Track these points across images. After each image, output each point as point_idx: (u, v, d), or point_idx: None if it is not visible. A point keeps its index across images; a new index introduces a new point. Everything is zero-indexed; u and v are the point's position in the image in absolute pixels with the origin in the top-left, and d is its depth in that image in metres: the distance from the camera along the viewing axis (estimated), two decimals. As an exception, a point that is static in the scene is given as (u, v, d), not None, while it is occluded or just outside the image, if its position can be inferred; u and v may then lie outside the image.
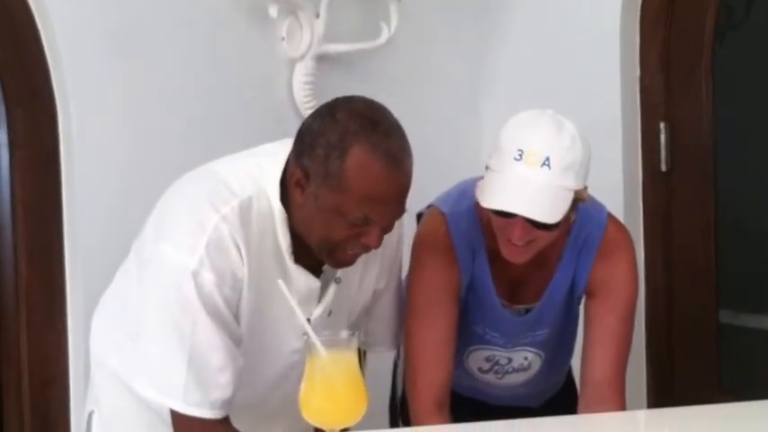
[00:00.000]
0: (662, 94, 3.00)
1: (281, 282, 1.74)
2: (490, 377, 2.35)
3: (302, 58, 2.89)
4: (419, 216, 2.29)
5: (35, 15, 2.54)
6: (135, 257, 2.01)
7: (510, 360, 2.31)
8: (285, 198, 1.88)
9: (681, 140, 3.00)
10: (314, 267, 1.95)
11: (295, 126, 2.77)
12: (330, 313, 2.00)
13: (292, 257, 1.91)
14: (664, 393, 3.06)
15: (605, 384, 2.21)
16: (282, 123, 2.85)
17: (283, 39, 2.86)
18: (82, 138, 2.55)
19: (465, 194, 2.20)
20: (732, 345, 3.13)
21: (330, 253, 1.88)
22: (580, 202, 2.06)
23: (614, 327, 2.22)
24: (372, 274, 2.11)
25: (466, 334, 2.24)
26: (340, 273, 1.99)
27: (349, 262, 1.92)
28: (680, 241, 3.03)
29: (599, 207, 2.24)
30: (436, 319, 2.16)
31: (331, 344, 1.64)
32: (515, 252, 2.07)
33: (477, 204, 2.15)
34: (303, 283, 1.94)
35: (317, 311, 1.98)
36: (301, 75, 2.89)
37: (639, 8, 2.99)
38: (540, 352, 2.31)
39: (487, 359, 2.31)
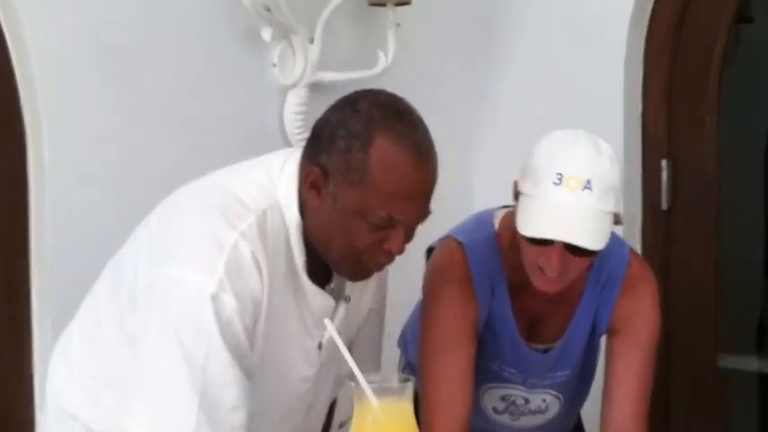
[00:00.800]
0: (665, 129, 2.93)
1: (327, 321, 1.59)
2: (504, 418, 2.24)
3: (294, 86, 2.75)
4: (429, 250, 2.18)
5: (3, 28, 2.31)
6: (110, 288, 1.80)
7: (527, 401, 2.20)
8: (301, 207, 1.73)
9: (683, 178, 2.93)
10: (320, 285, 1.79)
11: None
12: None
13: (307, 275, 1.75)
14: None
15: (629, 425, 2.12)
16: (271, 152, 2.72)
17: (275, 65, 2.73)
18: (55, 163, 2.35)
19: (482, 224, 2.12)
20: (732, 389, 3.05)
21: (353, 264, 1.73)
22: (617, 225, 1.97)
23: (638, 364, 2.14)
24: (371, 290, 1.96)
25: (481, 371, 2.12)
26: (348, 291, 1.85)
27: (370, 273, 1.77)
28: (679, 284, 2.94)
29: (620, 242, 2.17)
30: (454, 356, 2.05)
31: (383, 391, 1.49)
32: (549, 282, 1.96)
33: (497, 234, 2.08)
34: (319, 303, 1.78)
35: (328, 334, 1.80)
36: (293, 104, 2.76)
37: (644, 41, 2.92)
38: (560, 394, 2.22)
39: (503, 398, 2.20)
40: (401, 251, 1.71)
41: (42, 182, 2.34)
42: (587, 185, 1.87)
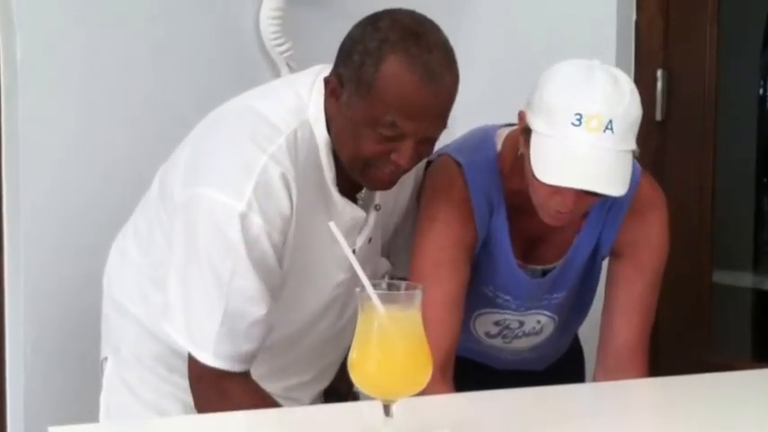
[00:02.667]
0: (660, 39, 2.82)
1: (332, 224, 1.53)
2: (497, 341, 2.18)
3: (272, -11, 2.66)
4: (428, 163, 2.08)
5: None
6: (158, 198, 1.92)
7: (521, 324, 2.14)
8: (329, 124, 1.83)
9: (679, 89, 2.82)
10: (352, 196, 1.90)
11: (260, 63, 2.67)
12: (370, 240, 1.96)
13: (337, 188, 1.85)
14: (650, 356, 2.88)
15: (628, 351, 2.08)
16: (246, 59, 2.67)
17: (252, -33, 2.65)
18: (26, 63, 2.30)
19: (484, 143, 2.03)
20: (725, 305, 3.05)
21: (363, 172, 1.80)
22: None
23: (641, 291, 2.08)
24: (407, 193, 2.05)
25: (474, 296, 2.04)
26: (378, 198, 1.94)
27: (385, 183, 1.83)
28: (672, 199, 2.82)
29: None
30: (445, 279, 1.97)
31: (391, 299, 1.39)
32: (559, 218, 1.88)
33: (499, 155, 2.00)
34: (349, 214, 1.88)
35: (360, 241, 1.93)
36: (270, 9, 2.66)
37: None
38: (555, 316, 2.15)
39: (497, 323, 2.14)
40: (408, 163, 1.77)
41: (15, 83, 2.32)
42: (609, 126, 1.76)
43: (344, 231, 1.79)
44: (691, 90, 2.80)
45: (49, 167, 2.34)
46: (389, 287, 1.43)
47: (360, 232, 1.92)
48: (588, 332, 2.28)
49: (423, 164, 2.03)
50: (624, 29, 2.82)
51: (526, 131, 1.85)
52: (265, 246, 1.74)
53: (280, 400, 1.90)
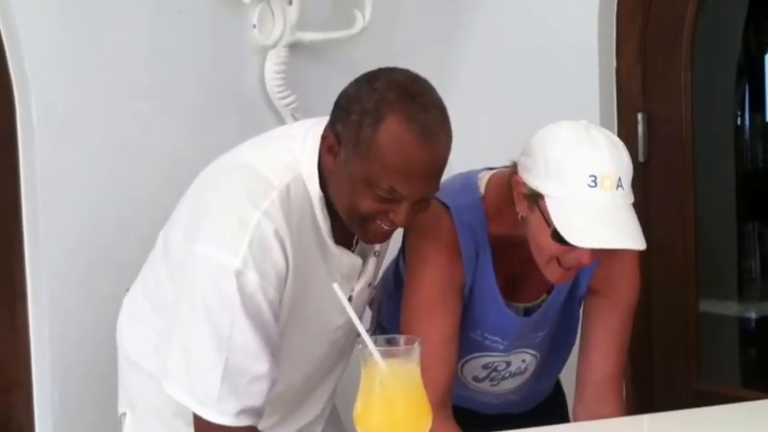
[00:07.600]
0: (639, 85, 2.96)
1: (336, 285, 1.62)
2: (484, 385, 2.24)
3: (274, 46, 2.79)
4: None
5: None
6: (163, 255, 1.95)
7: (508, 364, 2.20)
8: (322, 178, 1.84)
9: (659, 131, 2.95)
10: (348, 242, 1.92)
11: (266, 115, 2.83)
12: (370, 284, 2.00)
13: (333, 239, 1.87)
14: (643, 384, 3.03)
15: (605, 384, 2.16)
16: (253, 112, 2.79)
17: (255, 26, 2.76)
18: (42, 123, 2.40)
19: (467, 188, 2.09)
20: (712, 333, 3.13)
21: (360, 226, 1.82)
22: None
23: (616, 326, 2.16)
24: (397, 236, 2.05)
25: (462, 343, 2.09)
26: (378, 246, 1.98)
27: (381, 238, 1.88)
28: (658, 234, 2.95)
29: None
30: (439, 318, 2.03)
31: (390, 354, 1.50)
32: (566, 275, 1.97)
33: (483, 198, 2.06)
34: (346, 263, 1.91)
35: (359, 286, 1.96)
36: (273, 63, 2.80)
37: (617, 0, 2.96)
38: (537, 354, 2.22)
39: (485, 366, 2.20)
40: (405, 223, 1.82)
41: (32, 141, 2.40)
42: (619, 183, 1.84)
43: (341, 277, 1.89)
44: (669, 131, 2.92)
45: (67, 222, 2.42)
46: (389, 341, 1.53)
47: (358, 278, 1.96)
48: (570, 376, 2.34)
49: None
50: (606, 75, 2.96)
51: (531, 196, 1.90)
52: (260, 301, 1.75)
53: None
